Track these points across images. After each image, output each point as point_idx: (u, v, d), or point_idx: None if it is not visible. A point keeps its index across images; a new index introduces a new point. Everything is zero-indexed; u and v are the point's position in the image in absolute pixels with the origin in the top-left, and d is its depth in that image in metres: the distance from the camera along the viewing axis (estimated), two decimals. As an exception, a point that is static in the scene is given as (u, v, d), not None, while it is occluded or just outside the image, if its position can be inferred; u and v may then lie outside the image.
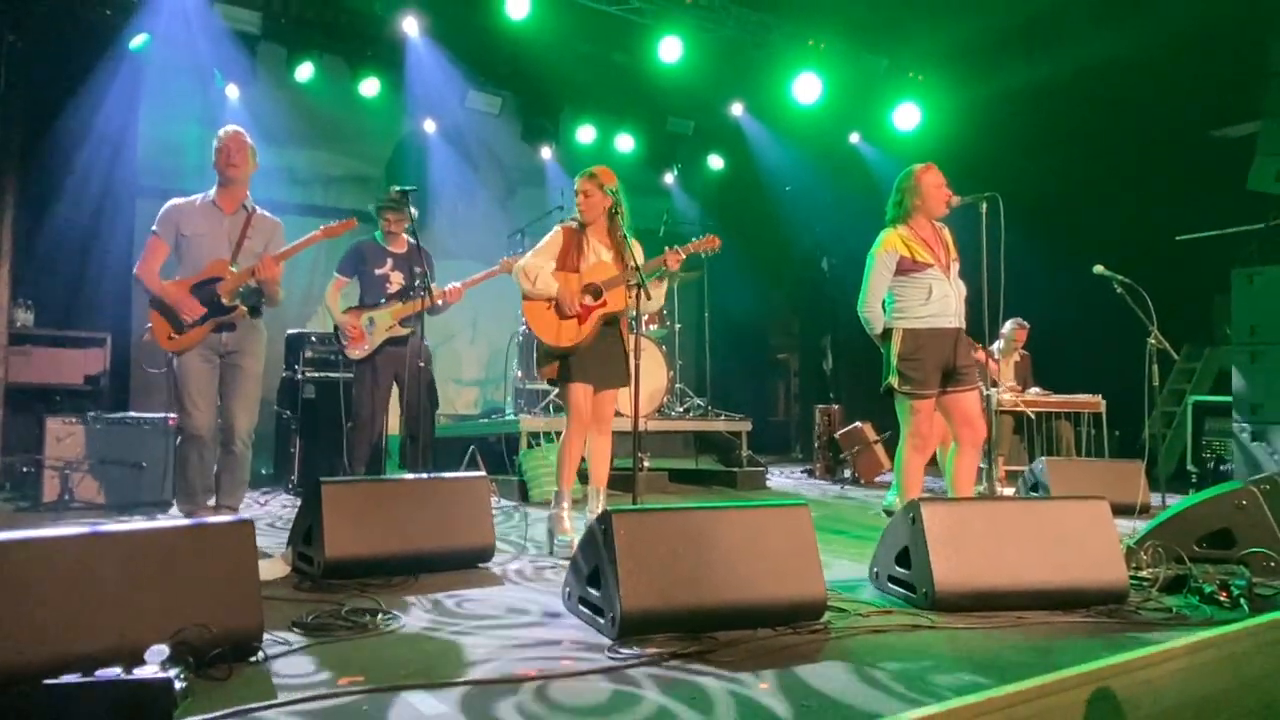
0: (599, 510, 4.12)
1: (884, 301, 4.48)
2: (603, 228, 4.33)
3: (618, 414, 4.50)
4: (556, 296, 4.20)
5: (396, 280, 5.44)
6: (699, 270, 8.30)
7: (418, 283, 5.25)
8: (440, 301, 4.78)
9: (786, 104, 9.41)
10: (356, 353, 5.36)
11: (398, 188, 4.93)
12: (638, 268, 4.05)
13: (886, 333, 4.47)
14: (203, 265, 4.22)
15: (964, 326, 4.46)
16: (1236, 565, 3.47)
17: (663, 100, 10.09)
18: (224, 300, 4.19)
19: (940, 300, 4.35)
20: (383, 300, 5.40)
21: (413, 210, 5.04)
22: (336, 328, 5.44)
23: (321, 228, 4.44)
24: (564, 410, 4.33)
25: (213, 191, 4.33)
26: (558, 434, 6.35)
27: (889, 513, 5.94)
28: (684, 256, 4.28)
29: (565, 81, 9.29)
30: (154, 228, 4.29)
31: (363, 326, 5.33)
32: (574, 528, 4.17)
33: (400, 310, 5.36)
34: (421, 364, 4.99)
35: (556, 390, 4.43)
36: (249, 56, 7.98)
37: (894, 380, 4.38)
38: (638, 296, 4.01)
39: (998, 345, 7.40)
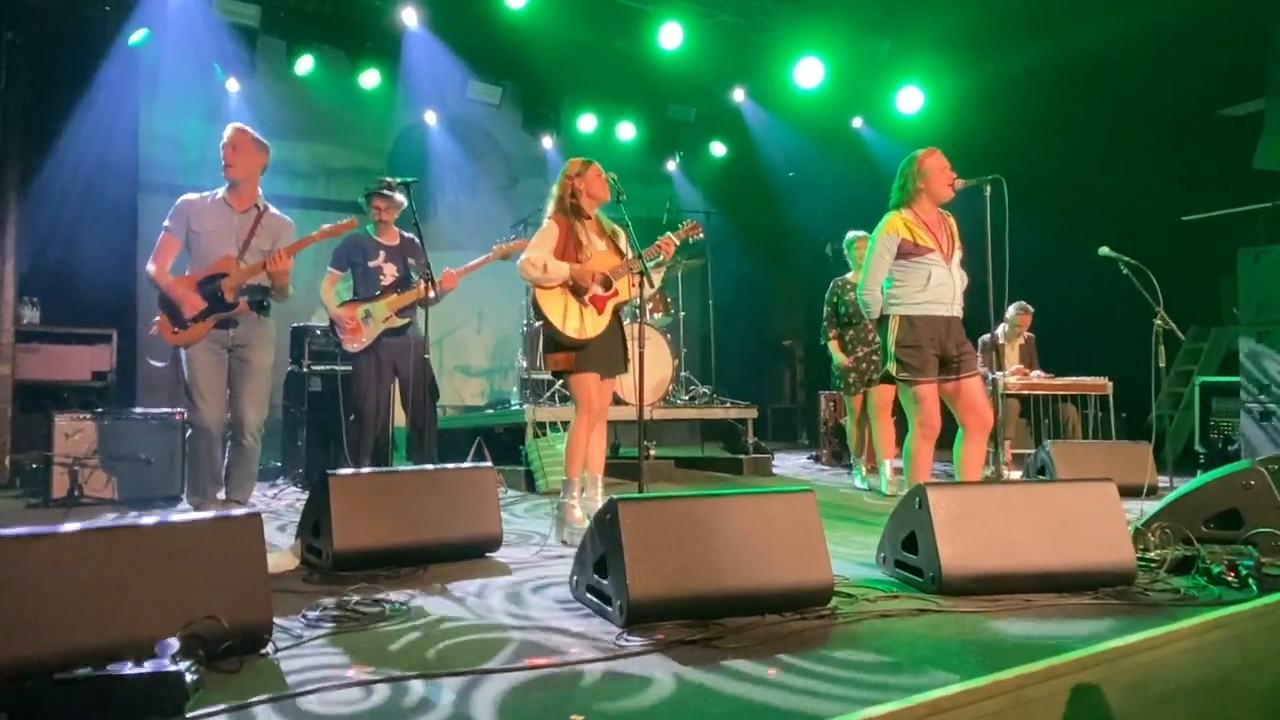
0: (598, 497, 4.17)
1: (883, 285, 4.47)
2: (594, 218, 4.37)
3: (623, 403, 4.54)
4: (573, 276, 4.20)
5: (390, 272, 5.43)
6: (702, 257, 8.28)
7: (417, 272, 5.25)
8: (433, 293, 4.78)
9: (788, 89, 9.37)
10: (354, 345, 5.35)
11: (397, 179, 4.92)
12: (640, 255, 4.06)
13: (883, 318, 4.46)
14: (211, 260, 4.23)
15: (961, 317, 4.43)
16: (1244, 545, 3.46)
17: (664, 87, 10.03)
18: (227, 296, 4.20)
19: (938, 287, 4.33)
20: (378, 293, 5.39)
21: (399, 198, 5.01)
22: (333, 321, 5.43)
23: (321, 228, 4.44)
24: (571, 400, 4.35)
25: (224, 188, 4.34)
26: (564, 424, 6.36)
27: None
28: (677, 243, 4.34)
29: (565, 70, 9.24)
30: (166, 223, 4.30)
31: (359, 319, 5.34)
32: (585, 517, 4.19)
33: (396, 301, 5.35)
34: (426, 355, 4.99)
35: (562, 381, 4.47)
36: (249, 50, 7.96)
37: (892, 367, 4.39)
38: (641, 284, 4.02)
39: (1002, 329, 7.37)
